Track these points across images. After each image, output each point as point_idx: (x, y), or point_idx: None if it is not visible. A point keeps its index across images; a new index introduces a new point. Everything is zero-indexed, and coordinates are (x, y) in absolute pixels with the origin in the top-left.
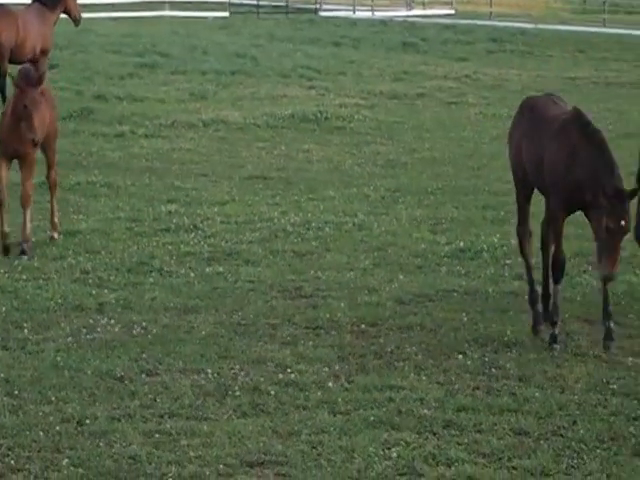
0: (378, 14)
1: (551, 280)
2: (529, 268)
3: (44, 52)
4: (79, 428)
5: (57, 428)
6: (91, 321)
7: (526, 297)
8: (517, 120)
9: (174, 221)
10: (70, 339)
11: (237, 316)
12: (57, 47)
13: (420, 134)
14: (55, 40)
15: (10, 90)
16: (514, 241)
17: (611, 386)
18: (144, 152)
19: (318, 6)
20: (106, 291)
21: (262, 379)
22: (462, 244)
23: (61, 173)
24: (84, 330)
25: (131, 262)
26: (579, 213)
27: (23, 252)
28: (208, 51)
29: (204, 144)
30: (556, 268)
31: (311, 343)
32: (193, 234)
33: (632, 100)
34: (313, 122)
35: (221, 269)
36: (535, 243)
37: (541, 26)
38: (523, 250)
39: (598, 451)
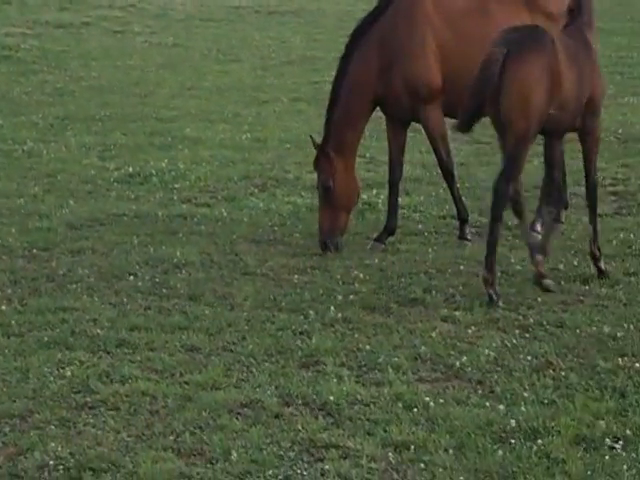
0: None
1: None
2: None
3: None
4: None
5: None
6: None
7: (194, 219)
8: None
9: None
10: None
11: None
12: None
13: (87, 63)
14: None
15: None
16: (182, 165)
17: (278, 303)
18: None
19: None
20: None
21: None
22: (131, 169)
23: None
24: None
25: None
26: None
27: None
28: None
29: None
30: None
31: None
32: None
33: (293, 29)
34: None
35: None
36: None
37: None
38: None
39: (267, 364)
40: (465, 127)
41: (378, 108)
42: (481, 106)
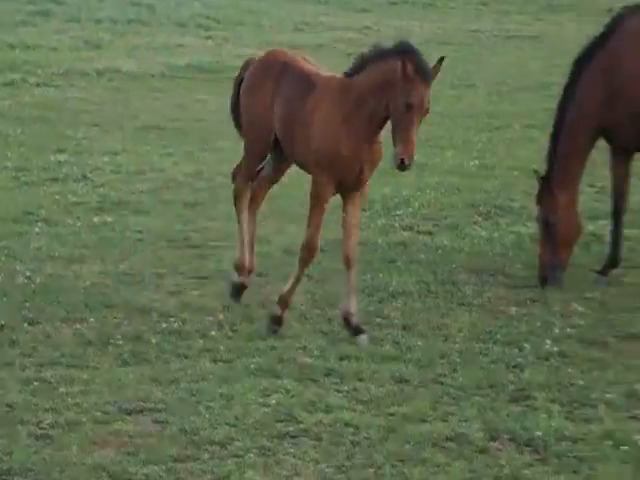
0: None
1: None
2: None
3: None
4: None
5: None
6: None
7: (414, 247)
8: None
9: (63, 170)
10: None
11: (123, 266)
12: None
13: None
14: None
15: None
16: (406, 192)
17: (493, 335)
18: (35, 101)
19: None
20: None
21: (145, 328)
22: None
23: None
24: None
25: (17, 211)
26: None
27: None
28: None
29: (97, 93)
30: None
31: (197, 292)
32: (82, 184)
33: (532, 54)
34: (209, 73)
35: (109, 219)
36: None
37: None
38: None
39: (476, 398)
40: None
41: None
42: None
